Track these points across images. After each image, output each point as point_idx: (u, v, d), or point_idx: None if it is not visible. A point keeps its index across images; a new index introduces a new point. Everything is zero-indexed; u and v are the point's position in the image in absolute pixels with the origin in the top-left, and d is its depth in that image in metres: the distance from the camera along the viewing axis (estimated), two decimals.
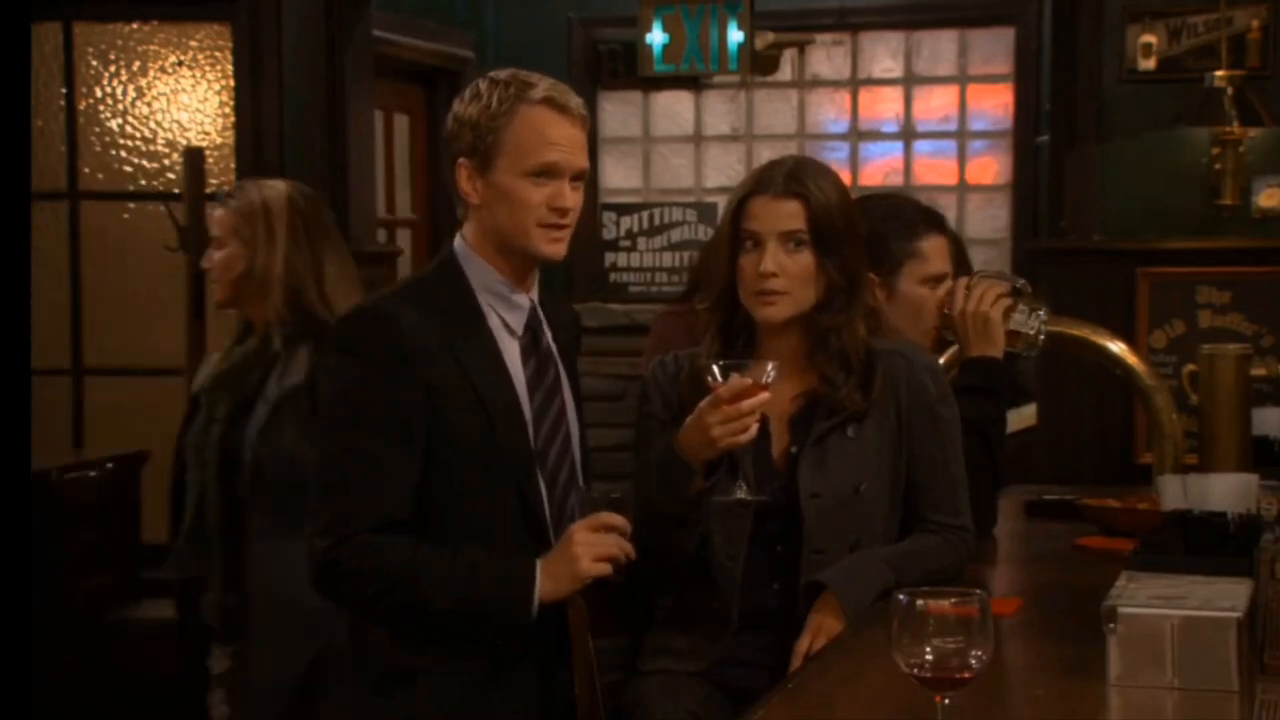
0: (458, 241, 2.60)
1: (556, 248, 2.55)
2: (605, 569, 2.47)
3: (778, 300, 2.66)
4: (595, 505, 2.53)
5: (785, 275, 2.65)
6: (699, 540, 2.66)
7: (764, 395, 2.49)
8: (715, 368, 2.50)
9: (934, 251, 3.10)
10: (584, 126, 2.56)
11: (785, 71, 7.33)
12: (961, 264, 5.48)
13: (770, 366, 2.51)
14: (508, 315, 2.57)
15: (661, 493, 2.59)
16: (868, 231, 2.84)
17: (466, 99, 2.55)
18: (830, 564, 2.62)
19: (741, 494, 2.56)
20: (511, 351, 2.57)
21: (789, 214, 2.66)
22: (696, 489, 2.56)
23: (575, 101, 2.56)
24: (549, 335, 2.63)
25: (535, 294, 2.61)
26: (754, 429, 2.50)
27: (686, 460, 2.53)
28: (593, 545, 2.47)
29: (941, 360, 3.39)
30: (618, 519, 2.49)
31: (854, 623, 2.52)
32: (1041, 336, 3.10)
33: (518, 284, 2.58)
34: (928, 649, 1.80)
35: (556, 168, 2.51)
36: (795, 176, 2.67)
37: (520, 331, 2.58)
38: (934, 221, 3.14)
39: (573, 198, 2.54)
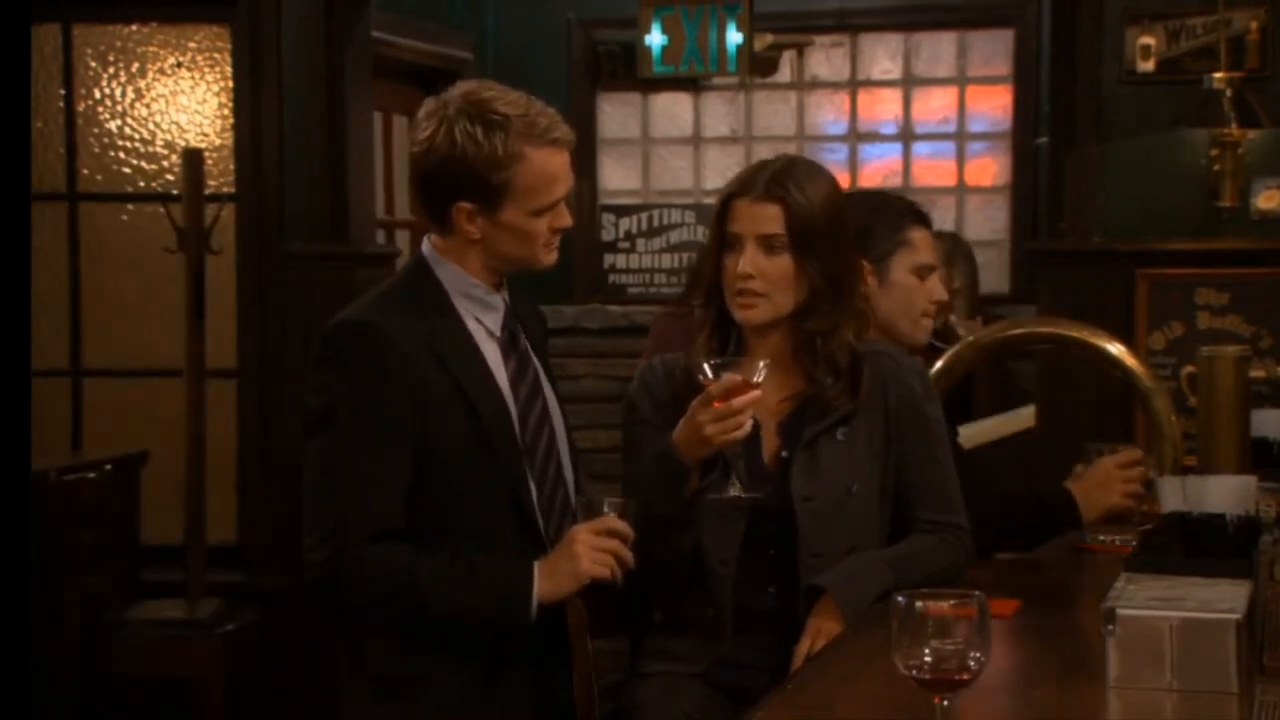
0: (426, 247, 2.62)
1: (555, 256, 2.61)
2: (605, 571, 2.48)
3: (756, 303, 2.67)
4: (598, 511, 2.53)
5: (763, 278, 2.66)
6: (695, 543, 2.67)
7: (755, 393, 2.50)
8: (707, 366, 2.52)
9: (922, 242, 3.13)
10: (571, 148, 2.59)
11: (784, 73, 7.33)
12: (955, 259, 5.51)
13: (762, 365, 2.52)
14: (484, 317, 2.59)
15: (657, 493, 2.59)
16: (857, 224, 2.86)
17: (460, 144, 2.49)
18: (828, 566, 2.63)
19: (735, 491, 2.57)
20: (491, 352, 2.58)
21: (768, 217, 2.66)
22: (693, 488, 2.57)
23: (566, 128, 2.57)
24: (524, 336, 2.65)
25: (506, 294, 2.63)
26: (747, 426, 2.51)
27: (682, 460, 2.54)
28: (595, 547, 2.47)
29: (939, 363, 3.41)
30: (621, 525, 2.50)
31: (853, 625, 2.53)
32: (1105, 538, 3.10)
33: (492, 286, 2.60)
34: (926, 650, 1.81)
35: (562, 201, 2.57)
36: (778, 179, 2.67)
37: (498, 332, 2.60)
38: (919, 215, 3.18)
39: (568, 213, 2.60)
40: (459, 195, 2.52)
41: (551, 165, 2.54)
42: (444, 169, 2.51)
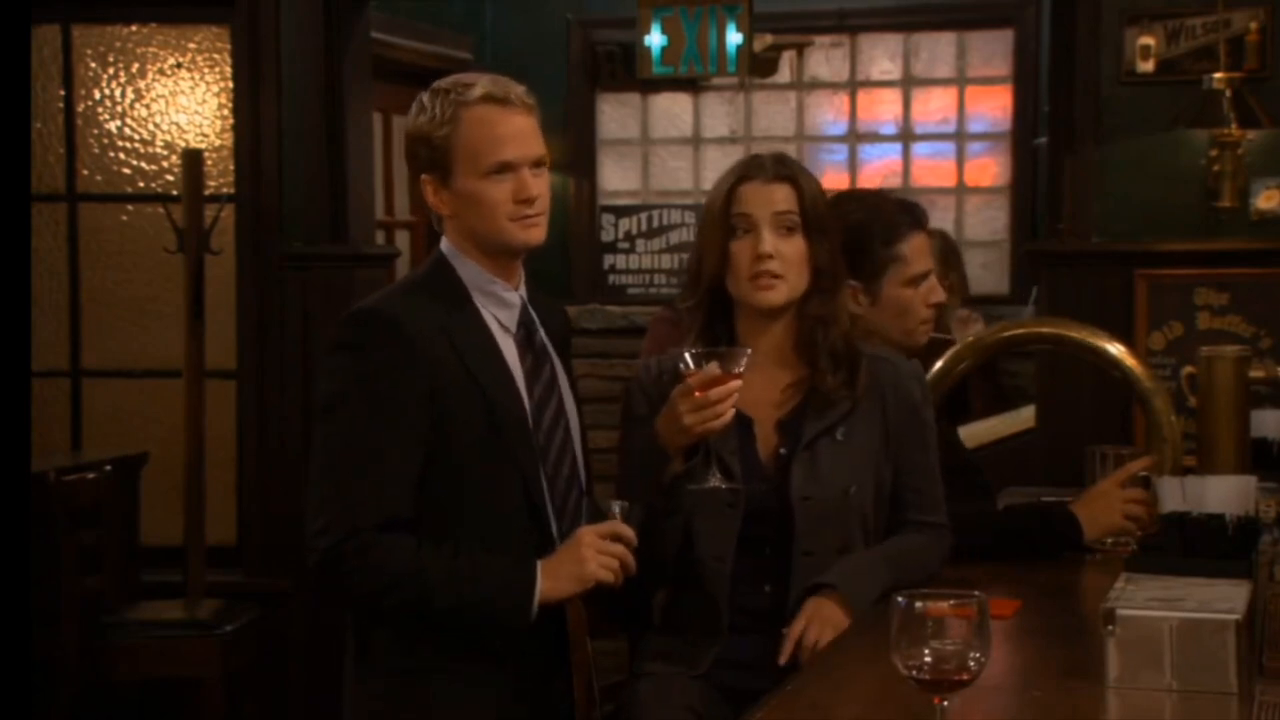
0: (444, 244, 2.62)
1: (532, 233, 2.57)
2: (610, 576, 2.48)
3: (775, 285, 2.69)
4: (604, 514, 2.54)
5: (780, 258, 2.68)
6: (688, 538, 2.68)
7: (735, 383, 2.51)
8: (688, 355, 2.54)
9: (915, 252, 3.09)
10: (531, 113, 2.58)
11: (784, 73, 7.33)
12: (952, 261, 5.47)
13: (745, 355, 2.53)
14: (500, 313, 2.59)
15: (642, 481, 2.61)
16: (847, 234, 2.87)
17: (413, 115, 2.59)
18: (819, 566, 2.65)
19: (716, 482, 2.57)
20: (508, 348, 2.58)
21: (782, 197, 2.70)
22: (672, 473, 2.58)
23: (516, 91, 2.57)
24: (542, 332, 2.64)
25: (524, 291, 2.63)
26: (728, 416, 2.52)
27: (663, 447, 2.57)
28: (601, 550, 2.48)
29: (939, 363, 3.40)
30: (627, 530, 2.50)
31: (854, 624, 2.53)
32: (1110, 541, 3.06)
33: (506, 280, 2.59)
34: (926, 651, 1.81)
35: (512, 163, 2.54)
36: (783, 163, 2.74)
37: (514, 329, 2.60)
38: (914, 219, 3.12)
39: (537, 185, 2.56)
40: (420, 168, 2.57)
41: (489, 122, 2.53)
42: (409, 143, 2.59)
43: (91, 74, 5.32)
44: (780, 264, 2.68)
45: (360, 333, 2.51)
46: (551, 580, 2.47)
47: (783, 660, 2.54)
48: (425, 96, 2.59)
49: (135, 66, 5.32)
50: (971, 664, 1.81)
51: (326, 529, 2.44)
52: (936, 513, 2.81)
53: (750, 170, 2.73)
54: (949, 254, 5.50)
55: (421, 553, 2.45)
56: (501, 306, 2.60)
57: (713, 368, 2.50)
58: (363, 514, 2.44)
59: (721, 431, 2.54)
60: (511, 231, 2.55)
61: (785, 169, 2.72)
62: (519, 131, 2.55)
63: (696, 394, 2.50)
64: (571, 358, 2.75)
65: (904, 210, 3.13)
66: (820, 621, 2.56)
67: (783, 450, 2.71)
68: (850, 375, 2.71)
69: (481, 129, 2.53)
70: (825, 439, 2.70)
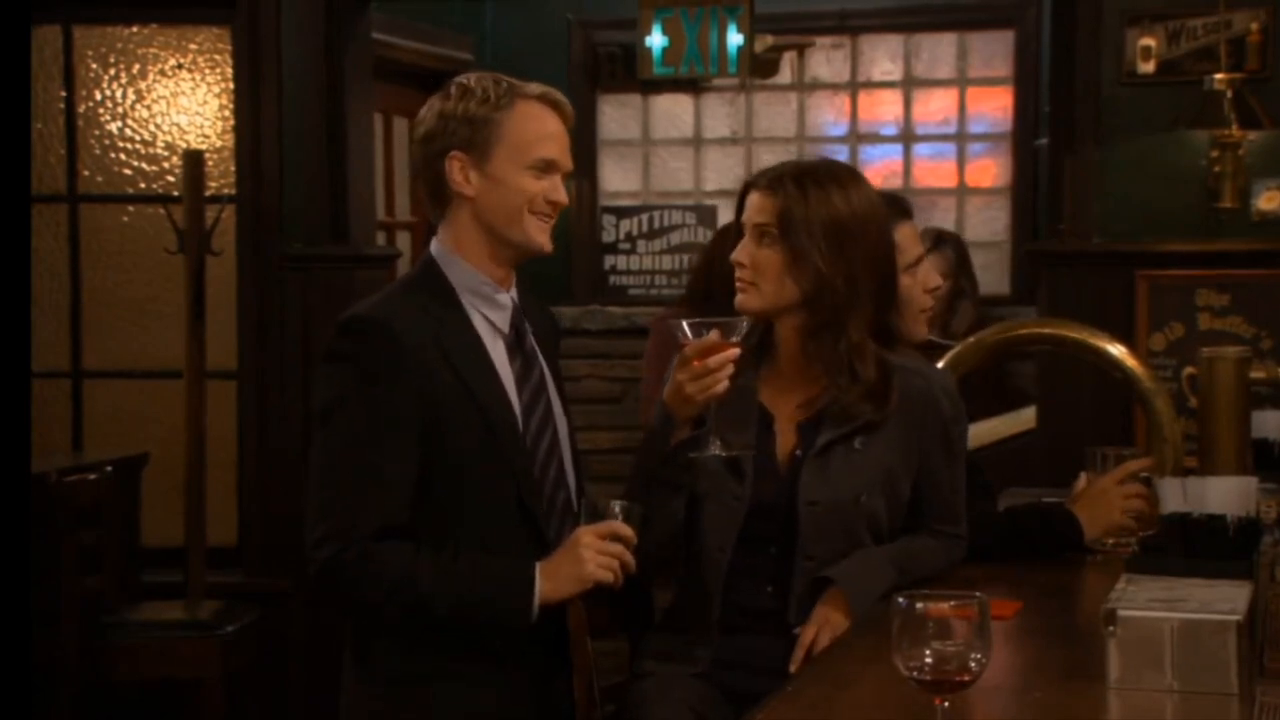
0: (435, 246, 2.63)
1: (546, 239, 2.61)
2: (609, 576, 2.49)
3: (746, 290, 2.72)
4: (602, 513, 2.54)
5: (753, 267, 2.71)
6: (690, 529, 2.69)
7: (732, 351, 2.54)
8: (685, 325, 2.57)
9: (906, 240, 3.10)
10: (571, 128, 2.63)
11: (785, 74, 7.33)
12: (964, 268, 5.47)
13: (743, 323, 2.57)
14: (491, 314, 2.60)
15: (647, 452, 2.65)
16: None
17: (454, 96, 2.59)
18: (822, 570, 2.64)
19: (715, 450, 2.59)
20: (498, 350, 2.59)
21: (763, 208, 2.71)
22: (677, 439, 2.61)
23: (564, 100, 2.63)
24: (531, 335, 2.65)
25: (515, 293, 2.64)
26: (725, 383, 2.54)
27: (670, 416, 2.60)
28: (600, 551, 2.48)
29: (939, 364, 3.40)
30: (626, 529, 2.51)
31: (856, 623, 2.53)
32: (1110, 542, 3.04)
33: (499, 282, 2.60)
34: (927, 652, 1.81)
35: (555, 165, 2.58)
36: (789, 174, 2.72)
37: (505, 330, 2.60)
38: (900, 208, 3.13)
39: (563, 194, 2.61)
40: (453, 144, 2.56)
41: (542, 119, 2.58)
42: (440, 121, 2.58)
43: (92, 75, 5.32)
44: (750, 272, 2.71)
45: (355, 340, 2.52)
46: (551, 581, 2.48)
47: (794, 668, 2.55)
48: (470, 79, 2.61)
49: (136, 67, 5.32)
50: (972, 665, 1.81)
51: (325, 538, 2.45)
52: (954, 524, 2.81)
53: (755, 179, 2.77)
54: (964, 260, 5.49)
55: (420, 559, 2.46)
56: (493, 308, 2.61)
57: (711, 335, 2.54)
58: (361, 522, 2.45)
59: (722, 398, 2.56)
60: (529, 227, 2.57)
61: (779, 182, 2.70)
62: (564, 139, 2.61)
63: (695, 363, 2.51)
64: (559, 359, 2.76)
65: (888, 201, 3.14)
66: (831, 629, 2.57)
67: (798, 452, 2.72)
68: (874, 392, 2.69)
69: (536, 123, 2.57)
70: (841, 446, 2.69)
